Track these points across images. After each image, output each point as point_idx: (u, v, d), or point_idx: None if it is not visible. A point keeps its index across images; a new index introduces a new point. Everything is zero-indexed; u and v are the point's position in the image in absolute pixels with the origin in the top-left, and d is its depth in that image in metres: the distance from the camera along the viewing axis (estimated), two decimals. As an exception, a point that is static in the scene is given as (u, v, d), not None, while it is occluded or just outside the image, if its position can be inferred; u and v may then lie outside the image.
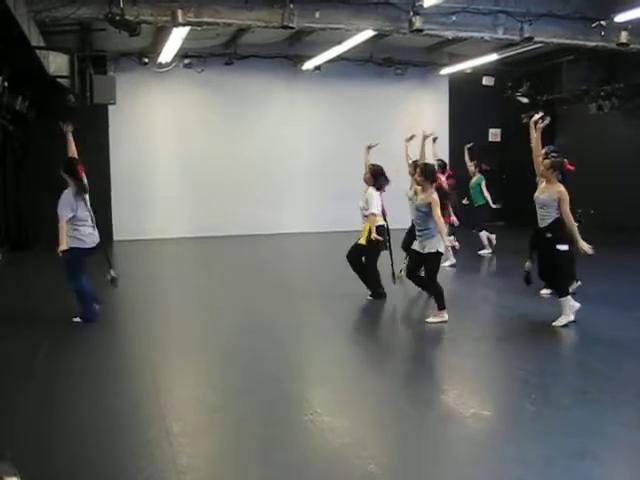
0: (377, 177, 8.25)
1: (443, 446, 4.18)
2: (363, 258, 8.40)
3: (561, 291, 6.97)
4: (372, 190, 8.19)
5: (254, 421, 4.53)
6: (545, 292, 8.26)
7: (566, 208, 6.68)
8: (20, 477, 2.43)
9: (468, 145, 12.36)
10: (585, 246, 6.56)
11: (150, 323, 7.56)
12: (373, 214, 8.09)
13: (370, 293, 8.43)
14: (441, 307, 7.22)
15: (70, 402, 4.93)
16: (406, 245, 9.60)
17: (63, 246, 6.97)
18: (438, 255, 7.20)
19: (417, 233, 7.36)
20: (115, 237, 14.99)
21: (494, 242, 12.39)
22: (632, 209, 14.25)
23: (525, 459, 3.87)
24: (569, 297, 6.97)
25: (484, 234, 12.28)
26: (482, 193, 12.15)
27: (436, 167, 8.89)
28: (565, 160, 7.16)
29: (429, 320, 7.24)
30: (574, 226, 6.65)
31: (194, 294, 9.35)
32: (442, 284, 7.44)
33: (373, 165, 8.37)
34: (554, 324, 6.87)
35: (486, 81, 16.68)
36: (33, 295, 9.08)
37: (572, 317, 6.90)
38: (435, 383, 5.55)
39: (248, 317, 7.74)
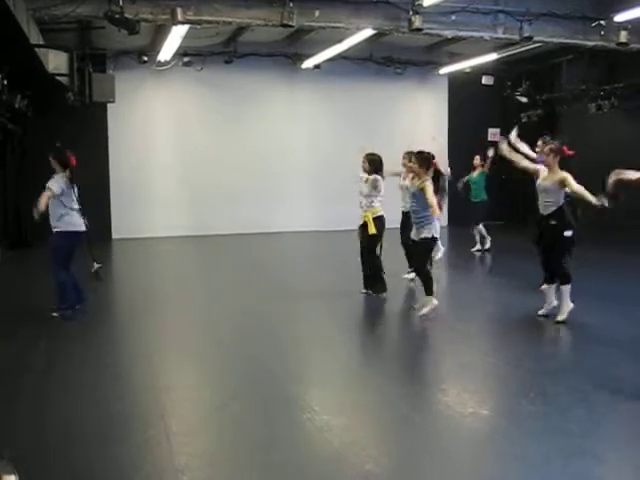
0: (377, 164, 8.34)
1: (442, 445, 4.18)
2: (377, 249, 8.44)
3: (564, 278, 6.94)
4: (378, 176, 8.31)
5: (253, 420, 4.53)
6: (545, 287, 8.27)
7: (574, 183, 6.65)
8: (18, 476, 2.43)
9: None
10: (599, 200, 6.39)
11: (149, 322, 7.56)
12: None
13: (365, 289, 8.48)
14: (429, 293, 7.35)
15: (69, 401, 4.92)
16: (406, 240, 9.62)
17: (42, 206, 7.06)
18: (432, 241, 7.42)
19: (414, 221, 7.52)
20: (114, 235, 15.00)
21: (488, 242, 12.36)
22: (631, 209, 14.24)
23: (524, 458, 3.87)
24: (569, 285, 6.95)
25: (481, 229, 12.26)
26: (485, 189, 12.20)
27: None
28: (564, 146, 7.18)
29: (422, 312, 7.32)
30: (585, 191, 6.55)
31: (193, 293, 9.33)
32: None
33: (372, 154, 8.41)
34: (558, 319, 6.90)
35: (485, 80, 16.67)
36: (32, 294, 9.06)
37: (571, 305, 6.92)
38: (433, 382, 5.55)
39: (247, 316, 7.73)
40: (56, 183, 7.19)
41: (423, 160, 7.41)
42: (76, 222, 7.30)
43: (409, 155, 9.04)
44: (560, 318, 6.91)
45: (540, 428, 4.30)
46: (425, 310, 7.33)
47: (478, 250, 12.28)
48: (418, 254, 7.59)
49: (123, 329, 7.33)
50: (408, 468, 3.86)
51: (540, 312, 7.17)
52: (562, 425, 4.33)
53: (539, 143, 8.33)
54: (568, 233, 6.78)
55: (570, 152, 7.22)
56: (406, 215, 8.58)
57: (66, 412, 4.70)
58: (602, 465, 3.87)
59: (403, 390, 5.23)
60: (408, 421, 4.56)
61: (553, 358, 6.06)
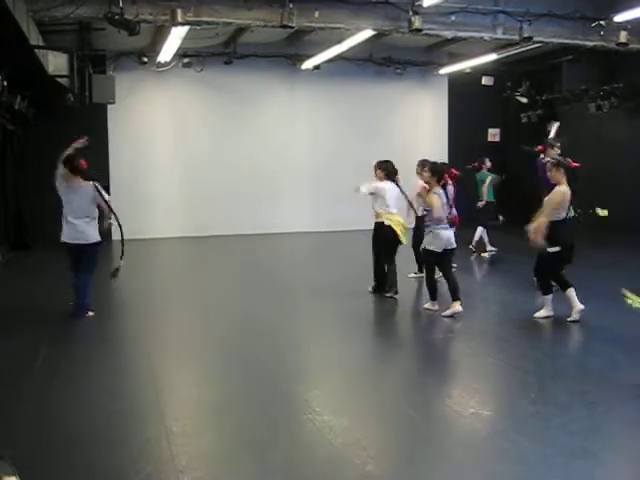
0: (387, 170, 8.40)
1: (442, 446, 4.18)
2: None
3: (563, 286, 7.07)
4: (380, 183, 8.36)
5: (253, 421, 4.53)
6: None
7: (550, 206, 6.78)
8: (19, 476, 2.43)
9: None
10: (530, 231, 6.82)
11: (150, 322, 7.56)
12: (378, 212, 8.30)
13: (374, 288, 8.52)
14: (455, 299, 7.43)
15: (70, 402, 4.93)
16: (415, 244, 9.63)
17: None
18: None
19: (427, 231, 7.62)
20: (114, 236, 14.95)
21: (486, 243, 12.36)
22: (632, 208, 14.24)
23: (524, 458, 3.88)
24: (551, 296, 7.13)
25: (480, 230, 12.26)
26: (491, 189, 12.25)
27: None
28: (567, 159, 7.17)
29: (444, 313, 7.43)
30: (541, 220, 6.76)
31: (193, 293, 9.34)
32: (443, 284, 7.51)
33: (385, 161, 8.49)
34: (569, 319, 7.00)
35: (485, 81, 16.66)
36: (33, 295, 9.06)
37: (580, 306, 7.02)
38: (435, 382, 5.54)
39: (247, 316, 7.73)
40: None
41: (435, 171, 7.57)
42: (65, 231, 7.41)
43: (422, 164, 9.07)
44: (571, 318, 7.00)
45: (541, 428, 4.30)
46: (448, 312, 7.40)
47: (490, 251, 12.26)
48: (438, 266, 7.71)
49: (123, 330, 7.33)
50: (409, 469, 3.86)
51: (536, 315, 7.20)
52: (563, 425, 4.33)
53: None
54: (553, 249, 6.86)
55: (575, 164, 7.23)
56: (420, 218, 8.60)
57: (67, 413, 4.70)
58: (603, 465, 3.87)
59: (404, 390, 5.24)
60: (409, 422, 4.56)
61: (554, 358, 6.06)
